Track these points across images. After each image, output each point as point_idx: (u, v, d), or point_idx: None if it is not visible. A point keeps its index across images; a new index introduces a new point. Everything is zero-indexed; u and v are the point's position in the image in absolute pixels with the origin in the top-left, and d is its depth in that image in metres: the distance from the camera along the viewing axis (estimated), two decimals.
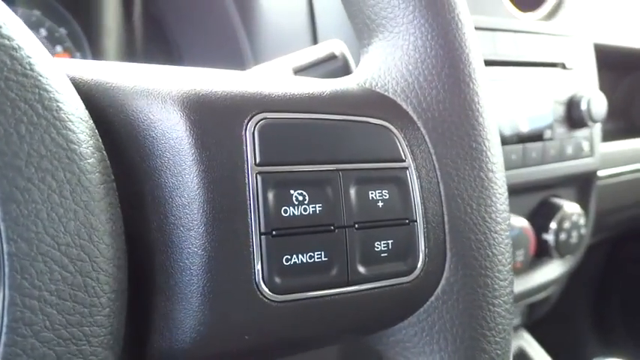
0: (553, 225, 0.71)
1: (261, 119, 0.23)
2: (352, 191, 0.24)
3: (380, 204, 0.25)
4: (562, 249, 0.72)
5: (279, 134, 0.23)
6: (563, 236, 0.71)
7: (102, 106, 0.22)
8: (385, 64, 0.28)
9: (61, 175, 0.18)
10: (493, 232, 0.26)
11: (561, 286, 0.87)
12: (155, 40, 0.67)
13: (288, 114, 0.24)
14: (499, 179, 0.27)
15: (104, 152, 0.20)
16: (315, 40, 0.60)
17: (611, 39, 0.84)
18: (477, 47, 0.28)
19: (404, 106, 0.27)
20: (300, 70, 0.41)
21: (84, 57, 0.62)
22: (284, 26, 0.59)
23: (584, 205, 0.77)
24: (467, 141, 0.26)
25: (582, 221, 0.73)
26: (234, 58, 0.59)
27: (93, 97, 0.22)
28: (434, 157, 0.26)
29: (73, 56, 0.61)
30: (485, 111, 0.27)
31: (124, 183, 0.21)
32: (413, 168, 0.26)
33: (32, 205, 0.17)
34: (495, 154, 0.27)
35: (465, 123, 0.26)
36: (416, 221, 0.25)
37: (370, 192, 0.24)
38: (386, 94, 0.27)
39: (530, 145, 0.66)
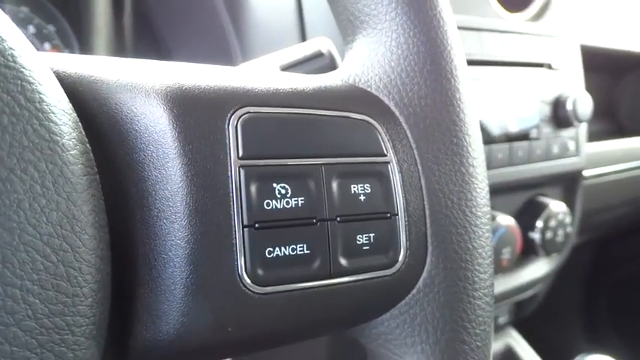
0: (539, 223, 0.72)
1: (244, 113, 0.23)
2: (334, 185, 0.24)
3: (362, 198, 0.25)
4: (548, 247, 0.73)
5: (261, 128, 0.23)
6: (549, 234, 0.72)
7: (85, 100, 0.22)
8: (368, 61, 0.28)
9: (43, 166, 0.18)
10: (473, 226, 0.27)
11: (548, 284, 0.88)
12: (144, 38, 0.67)
13: (271, 108, 0.24)
14: (480, 174, 0.28)
15: (87, 145, 0.20)
16: (303, 38, 0.60)
17: (599, 41, 0.85)
18: (458, 44, 0.28)
19: (386, 101, 0.27)
20: (287, 68, 0.41)
21: None
22: (272, 24, 0.59)
23: (570, 204, 0.78)
24: (448, 136, 0.27)
25: (568, 220, 0.74)
26: (223, 56, 0.59)
27: (76, 91, 0.22)
28: (415, 152, 0.26)
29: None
30: (466, 107, 0.28)
31: (107, 176, 0.21)
32: (394, 162, 0.26)
33: (14, 196, 0.17)
34: (476, 149, 0.28)
35: (446, 119, 0.27)
36: (397, 215, 0.25)
37: (352, 186, 0.25)
38: (369, 89, 0.27)
39: (516, 144, 0.67)
